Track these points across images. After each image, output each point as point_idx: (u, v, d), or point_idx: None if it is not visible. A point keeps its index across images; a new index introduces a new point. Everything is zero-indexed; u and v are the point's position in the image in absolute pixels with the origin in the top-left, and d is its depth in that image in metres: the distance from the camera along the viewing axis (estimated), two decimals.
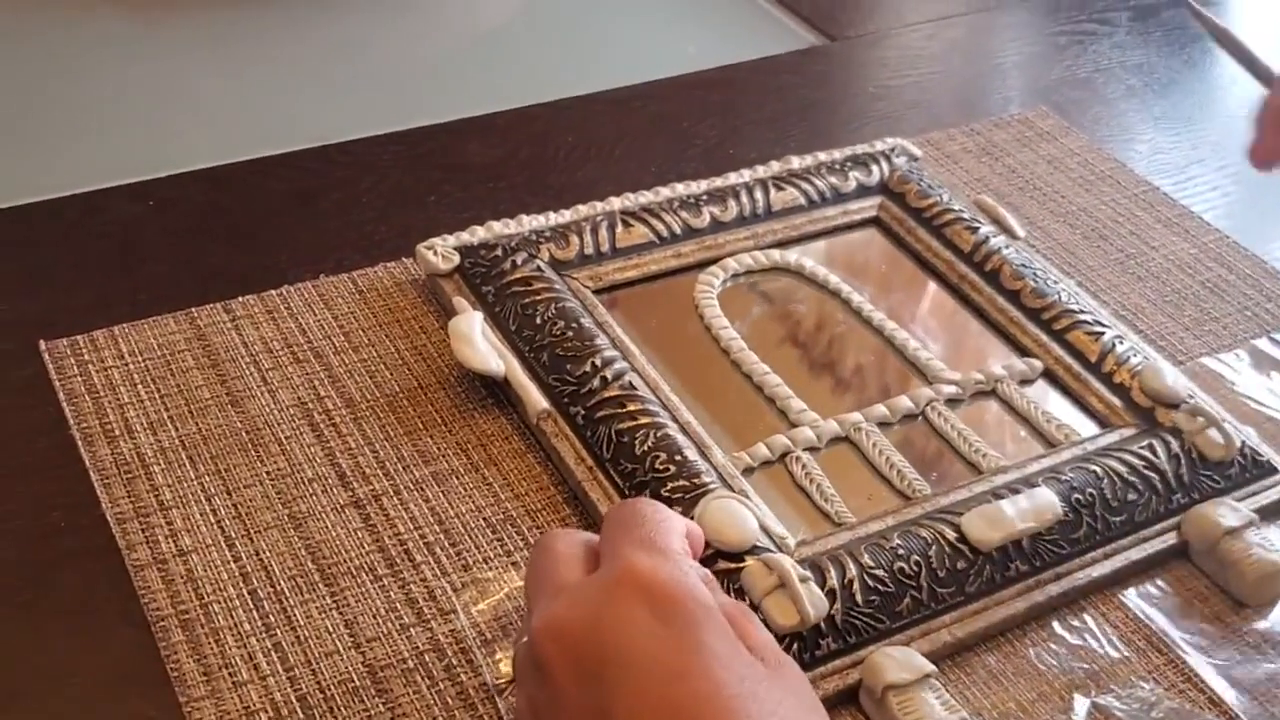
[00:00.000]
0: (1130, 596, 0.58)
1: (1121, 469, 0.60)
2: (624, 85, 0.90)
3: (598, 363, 0.62)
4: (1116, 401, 0.65)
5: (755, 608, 0.52)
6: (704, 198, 0.73)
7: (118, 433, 0.60)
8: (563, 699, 0.40)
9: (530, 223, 0.70)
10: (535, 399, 0.61)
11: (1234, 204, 0.84)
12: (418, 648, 0.53)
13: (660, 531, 0.45)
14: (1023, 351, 0.68)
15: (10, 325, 0.65)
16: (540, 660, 0.41)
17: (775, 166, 0.77)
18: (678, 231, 0.71)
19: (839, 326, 0.69)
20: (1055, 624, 0.57)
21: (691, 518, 0.54)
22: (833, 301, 0.71)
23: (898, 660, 0.52)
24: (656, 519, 0.46)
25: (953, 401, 0.65)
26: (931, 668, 0.52)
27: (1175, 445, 0.62)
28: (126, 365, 0.63)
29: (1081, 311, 0.69)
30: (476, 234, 0.69)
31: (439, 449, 0.61)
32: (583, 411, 0.60)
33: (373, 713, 0.50)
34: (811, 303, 0.71)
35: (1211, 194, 0.85)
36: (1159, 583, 0.59)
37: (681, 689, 0.39)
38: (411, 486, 0.59)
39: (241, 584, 0.54)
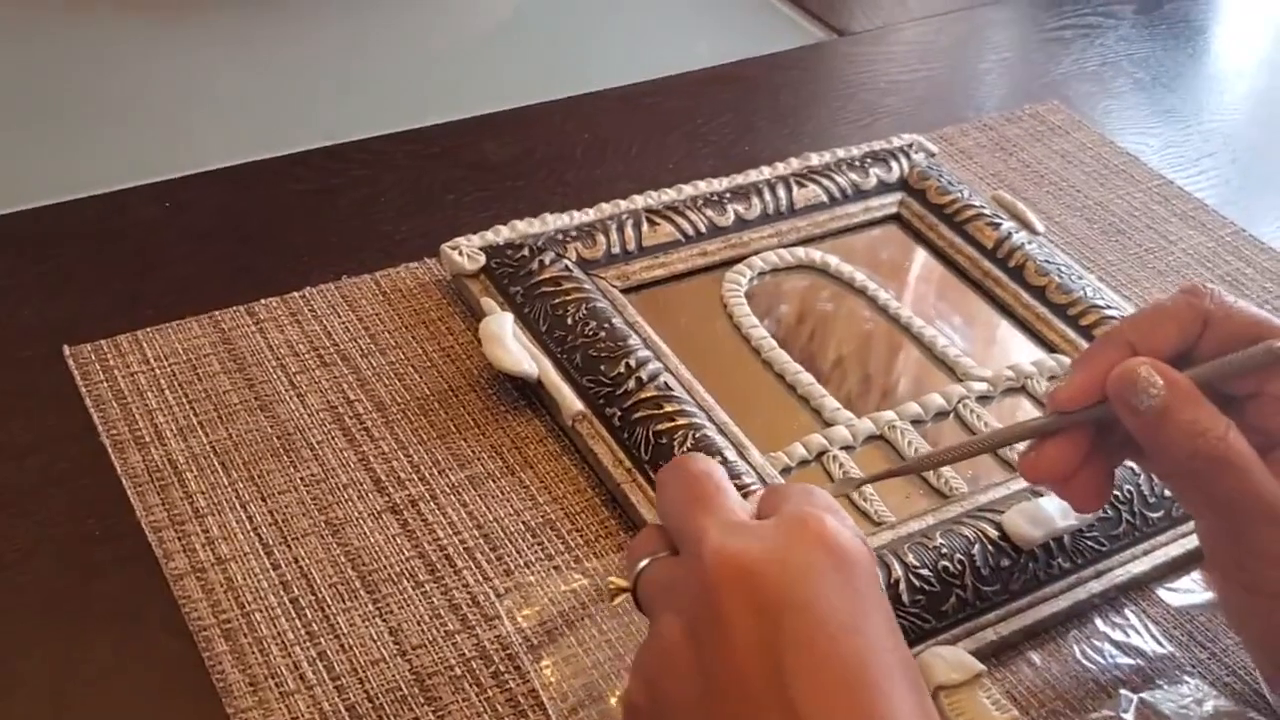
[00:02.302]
0: (1170, 591, 0.58)
1: None
2: (635, 82, 0.89)
3: (632, 363, 0.61)
4: None
5: None
6: (727, 195, 0.73)
7: (148, 439, 0.59)
8: (732, 631, 0.40)
9: (555, 221, 0.70)
10: (570, 400, 0.61)
11: (1249, 197, 0.84)
12: (464, 654, 0.52)
13: (830, 499, 0.45)
14: (1050, 347, 0.68)
15: (34, 330, 0.64)
16: (715, 589, 0.40)
17: (795, 163, 0.77)
18: (703, 229, 0.71)
19: (867, 324, 0.69)
20: (1098, 620, 0.57)
21: None
22: (859, 299, 0.70)
23: (948, 660, 0.52)
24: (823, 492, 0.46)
25: (984, 398, 0.65)
26: (981, 667, 0.52)
27: None
28: (152, 370, 0.63)
29: (1107, 307, 0.69)
30: (501, 233, 0.69)
31: (473, 452, 0.60)
32: (619, 413, 0.60)
33: None
34: (838, 301, 0.70)
35: (1224, 188, 0.85)
36: (1196, 578, 0.59)
37: (854, 643, 0.39)
38: (448, 490, 0.59)
39: (282, 592, 0.54)
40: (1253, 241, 0.80)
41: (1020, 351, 0.68)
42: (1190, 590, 0.58)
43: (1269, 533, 0.46)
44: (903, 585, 0.53)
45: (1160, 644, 0.56)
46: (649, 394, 0.60)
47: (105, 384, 0.62)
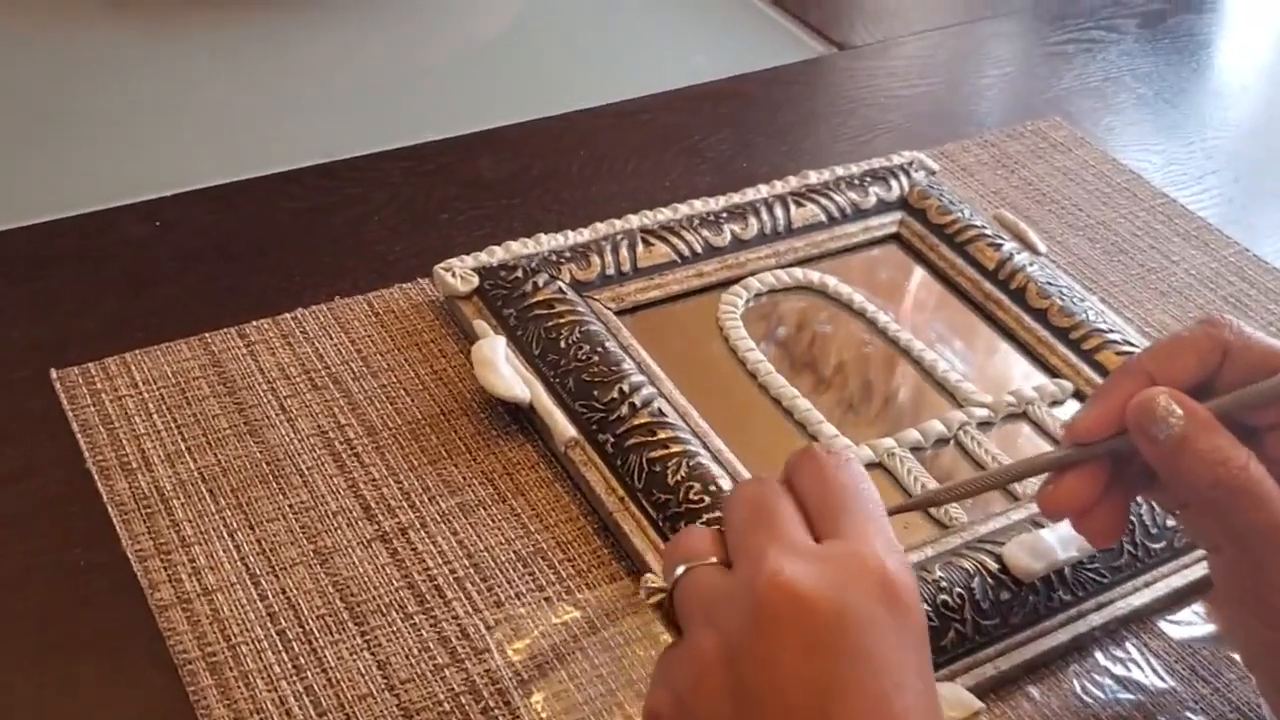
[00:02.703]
0: (1172, 624, 0.57)
1: None
2: (632, 97, 0.88)
3: (625, 388, 0.60)
4: None
5: None
6: (723, 215, 0.72)
7: (135, 465, 0.58)
8: (779, 663, 0.39)
9: (549, 242, 0.69)
10: (562, 426, 0.60)
11: (1252, 215, 0.84)
12: (453, 689, 0.51)
13: (887, 522, 0.44)
14: (1052, 372, 0.67)
15: (22, 353, 0.63)
16: (766, 613, 0.39)
17: (793, 181, 0.76)
18: (699, 250, 0.70)
19: (866, 347, 0.68)
20: (1098, 654, 0.56)
21: None
22: (858, 321, 0.69)
23: (946, 698, 0.51)
24: (877, 500, 0.44)
25: (984, 425, 0.64)
26: (980, 705, 0.51)
27: None
28: (140, 394, 0.62)
29: (1110, 330, 0.68)
30: (495, 254, 0.68)
31: (464, 478, 0.59)
32: (612, 439, 0.59)
33: None
34: (836, 323, 0.69)
35: (1227, 206, 0.84)
36: (1198, 610, 0.58)
37: (901, 701, 0.39)
38: (438, 518, 0.58)
39: (269, 624, 0.53)
40: (1256, 261, 0.79)
41: (1022, 376, 0.68)
42: (1192, 623, 0.57)
43: None
44: None
45: (1162, 678, 0.55)
46: (642, 420, 0.59)
47: (92, 408, 0.61)
